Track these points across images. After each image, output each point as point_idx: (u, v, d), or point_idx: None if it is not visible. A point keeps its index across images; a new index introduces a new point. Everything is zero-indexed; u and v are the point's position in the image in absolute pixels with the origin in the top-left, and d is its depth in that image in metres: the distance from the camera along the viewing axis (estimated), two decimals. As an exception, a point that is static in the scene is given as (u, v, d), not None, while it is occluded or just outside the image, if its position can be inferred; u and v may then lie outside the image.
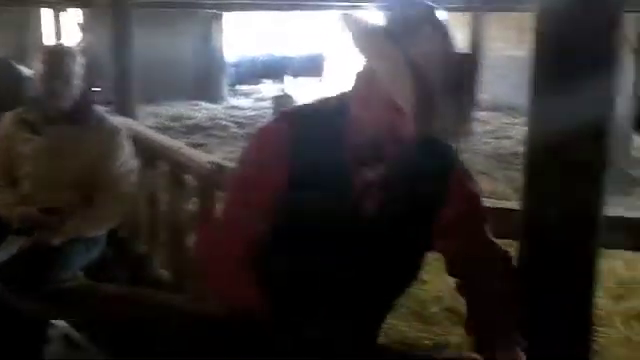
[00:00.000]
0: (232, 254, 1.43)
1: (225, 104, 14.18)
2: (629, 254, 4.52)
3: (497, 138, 10.65)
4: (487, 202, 1.71)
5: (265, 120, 1.60)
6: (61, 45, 2.90)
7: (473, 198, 1.53)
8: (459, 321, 3.71)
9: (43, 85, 2.56)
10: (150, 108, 11.47)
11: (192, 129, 10.79)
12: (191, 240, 3.09)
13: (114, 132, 2.67)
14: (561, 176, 1.56)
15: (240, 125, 11.24)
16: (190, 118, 11.84)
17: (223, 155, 6.99)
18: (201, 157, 2.89)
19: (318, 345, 1.39)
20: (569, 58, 1.51)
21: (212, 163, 2.63)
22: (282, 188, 1.39)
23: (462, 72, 1.29)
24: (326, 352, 1.40)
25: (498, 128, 11.70)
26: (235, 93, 15.55)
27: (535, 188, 1.62)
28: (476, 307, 1.52)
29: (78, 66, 2.61)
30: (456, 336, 3.52)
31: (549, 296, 1.62)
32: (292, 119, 1.46)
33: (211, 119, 11.74)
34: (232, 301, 1.42)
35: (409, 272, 1.53)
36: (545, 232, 1.61)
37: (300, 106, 1.58)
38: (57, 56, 2.58)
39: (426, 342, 3.49)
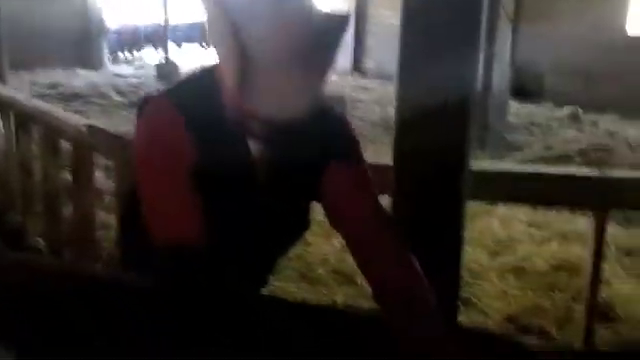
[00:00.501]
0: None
1: (106, 71, 13.67)
2: (504, 212, 4.80)
3: (383, 105, 10.86)
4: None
5: (148, 92, 1.49)
6: None
7: (357, 159, 1.55)
8: (344, 281, 3.82)
9: None
10: (27, 76, 10.90)
11: (70, 97, 10.34)
12: (66, 208, 3.00)
13: None
14: (429, 134, 1.63)
15: (122, 93, 10.88)
16: (68, 86, 11.34)
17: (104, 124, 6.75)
18: (76, 120, 2.78)
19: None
20: (436, 26, 1.57)
21: (89, 126, 2.54)
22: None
23: (324, 35, 1.25)
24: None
25: (383, 96, 11.92)
26: (116, 61, 15.02)
27: (404, 145, 1.68)
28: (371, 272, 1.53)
29: None
30: (342, 296, 3.63)
31: (419, 249, 1.70)
32: (178, 102, 1.39)
33: (91, 87, 11.29)
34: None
35: (299, 227, 1.57)
36: (414, 187, 1.69)
37: (181, 84, 1.49)
38: None
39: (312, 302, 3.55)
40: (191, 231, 1.33)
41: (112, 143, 2.32)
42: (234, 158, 1.40)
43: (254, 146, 1.40)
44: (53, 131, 2.89)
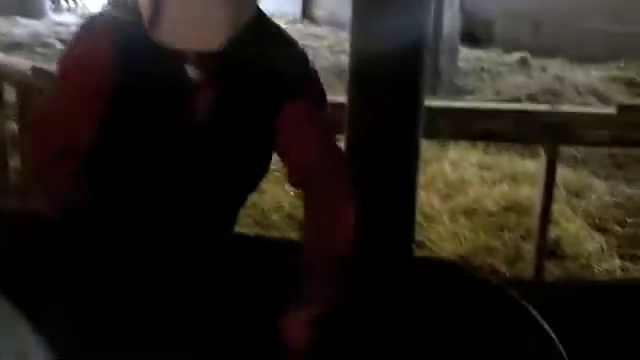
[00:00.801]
0: (52, 148, 1.43)
1: (47, 20, 13.19)
2: (455, 156, 4.86)
3: (335, 53, 10.78)
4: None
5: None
6: None
7: (317, 101, 1.52)
8: (298, 226, 3.85)
9: None
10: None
11: (12, 47, 9.96)
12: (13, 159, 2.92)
13: None
14: (383, 78, 1.63)
15: (65, 42, 10.51)
16: (9, 35, 10.92)
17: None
18: (21, 63, 2.68)
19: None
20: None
21: (33, 68, 2.46)
22: (107, 98, 1.37)
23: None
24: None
25: (335, 43, 11.81)
26: (58, 9, 14.48)
27: (359, 91, 1.68)
28: (309, 225, 1.56)
29: None
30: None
31: (375, 192, 1.71)
32: (110, 25, 1.39)
33: (33, 36, 10.90)
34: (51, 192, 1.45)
35: (256, 167, 1.53)
36: (370, 127, 1.69)
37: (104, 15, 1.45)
38: None
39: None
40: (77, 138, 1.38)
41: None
42: (164, 84, 1.37)
43: (193, 74, 1.36)
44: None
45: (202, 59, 1.31)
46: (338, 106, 1.86)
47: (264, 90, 1.43)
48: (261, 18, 1.41)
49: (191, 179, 1.43)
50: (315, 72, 1.53)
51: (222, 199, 1.52)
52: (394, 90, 1.66)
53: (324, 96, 1.53)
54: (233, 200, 1.57)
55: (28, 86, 2.46)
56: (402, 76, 1.67)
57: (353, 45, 1.67)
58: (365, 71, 1.66)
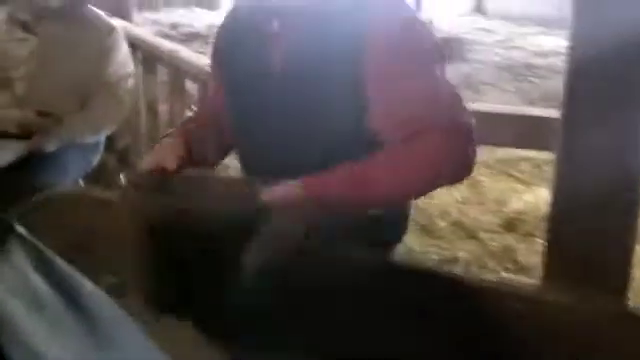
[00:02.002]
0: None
1: (222, 11, 13.80)
2: None
3: (507, 48, 10.33)
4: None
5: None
6: None
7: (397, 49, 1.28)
8: (466, 236, 3.67)
9: None
10: (148, 14, 11.19)
11: (190, 37, 10.50)
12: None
13: (110, 31, 2.50)
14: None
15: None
16: (188, 25, 11.53)
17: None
18: (202, 61, 2.72)
19: None
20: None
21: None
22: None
23: None
24: None
25: (507, 38, 11.33)
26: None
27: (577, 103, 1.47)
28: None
29: None
30: (463, 251, 3.48)
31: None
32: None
33: (209, 27, 11.42)
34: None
35: (340, 124, 1.33)
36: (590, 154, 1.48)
37: None
38: None
39: (434, 256, 3.44)
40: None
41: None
42: (251, 34, 1.41)
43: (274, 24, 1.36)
44: (180, 72, 2.86)
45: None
46: (504, 117, 1.67)
47: (334, 45, 1.28)
48: None
49: (273, 126, 1.39)
50: (394, 19, 1.30)
51: (306, 152, 1.35)
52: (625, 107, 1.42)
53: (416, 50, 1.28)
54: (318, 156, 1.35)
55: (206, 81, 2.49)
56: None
57: (574, 48, 1.45)
58: (587, 83, 1.43)
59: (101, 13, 2.57)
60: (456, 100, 1.27)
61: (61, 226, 1.43)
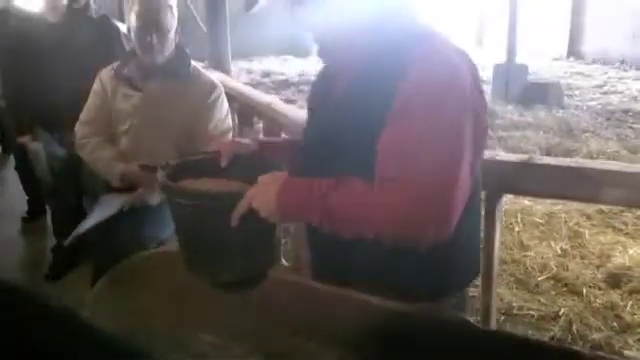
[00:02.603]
0: None
1: (313, 59, 14.08)
2: None
3: (605, 94, 10.02)
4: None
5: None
6: None
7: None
8: (567, 291, 3.52)
9: (139, 39, 2.47)
10: (242, 63, 11.55)
11: (282, 84, 10.75)
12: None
13: (212, 88, 2.56)
14: None
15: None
16: (280, 74, 11.82)
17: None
18: (297, 113, 2.76)
19: None
20: None
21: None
22: None
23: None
24: None
25: (605, 82, 11.00)
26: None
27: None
28: None
29: (174, 18, 2.51)
30: (564, 307, 3.33)
31: None
32: None
33: (300, 74, 11.67)
34: None
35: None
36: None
37: None
38: (153, 9, 2.46)
39: (532, 313, 3.31)
40: None
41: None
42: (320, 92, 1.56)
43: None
44: (275, 124, 2.91)
45: None
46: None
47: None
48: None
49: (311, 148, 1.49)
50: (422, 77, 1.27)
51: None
52: None
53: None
54: None
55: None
56: None
57: None
58: None
59: (203, 70, 2.66)
60: (456, 164, 1.23)
61: (156, 285, 1.47)
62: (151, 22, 2.45)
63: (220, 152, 1.53)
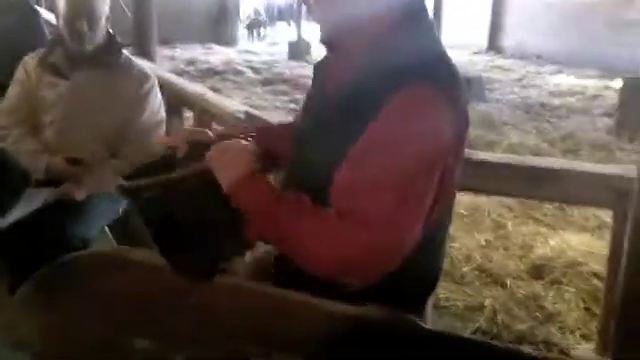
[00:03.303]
0: None
1: (239, 48, 13.96)
2: None
3: (524, 87, 10.34)
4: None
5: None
6: None
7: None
8: (491, 281, 3.60)
9: (68, 25, 2.36)
10: (165, 50, 11.31)
11: (207, 73, 10.59)
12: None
13: (145, 79, 2.47)
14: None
15: (255, 70, 11.02)
16: (205, 62, 11.64)
17: (240, 101, 6.79)
18: (229, 105, 2.71)
19: None
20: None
21: (245, 113, 2.46)
22: None
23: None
24: None
25: (524, 77, 11.37)
26: (250, 37, 15.32)
27: None
28: None
29: (105, 4, 2.42)
30: (488, 298, 3.40)
31: None
32: None
33: (226, 64, 11.53)
34: None
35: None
36: None
37: None
38: None
39: (458, 304, 3.37)
40: None
41: (269, 132, 2.21)
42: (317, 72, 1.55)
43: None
44: (207, 116, 2.84)
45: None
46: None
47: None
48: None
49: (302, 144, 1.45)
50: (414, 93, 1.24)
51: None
52: None
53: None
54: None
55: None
56: None
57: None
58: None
59: (135, 59, 2.56)
60: (406, 214, 1.20)
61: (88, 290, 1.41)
62: (82, 8, 2.34)
63: (174, 146, 1.48)
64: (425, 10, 1.40)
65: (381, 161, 1.20)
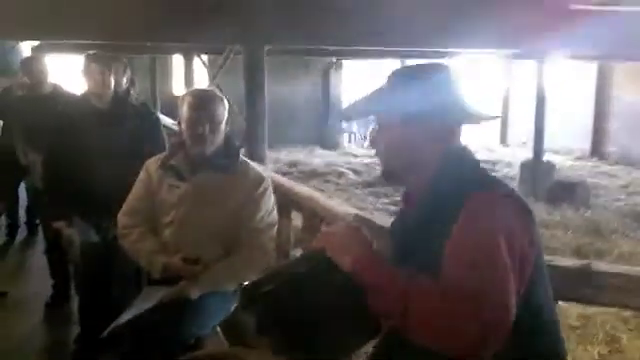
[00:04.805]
0: None
1: (340, 151, 14.29)
2: None
3: (630, 194, 9.97)
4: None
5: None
6: (209, 90, 2.79)
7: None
8: None
9: (190, 130, 2.46)
10: (271, 154, 11.72)
11: (309, 175, 10.83)
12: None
13: (260, 181, 2.53)
14: None
15: (356, 172, 11.19)
16: (307, 164, 11.94)
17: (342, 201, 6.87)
18: (341, 208, 2.75)
19: None
20: None
21: (355, 215, 2.48)
22: None
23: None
24: None
25: (629, 183, 10.97)
26: (352, 141, 15.67)
27: None
28: None
29: (225, 111, 2.52)
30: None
31: None
32: None
33: (328, 165, 11.78)
34: None
35: None
36: None
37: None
38: (206, 100, 2.48)
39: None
40: None
41: (378, 233, 2.22)
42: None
43: None
44: (317, 218, 2.88)
45: None
46: None
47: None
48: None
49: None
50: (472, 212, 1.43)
51: None
52: None
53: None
54: None
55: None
56: None
57: None
58: None
59: (251, 162, 2.64)
60: (498, 297, 1.33)
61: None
62: (204, 113, 2.45)
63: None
64: (467, 148, 1.63)
65: (475, 252, 1.36)
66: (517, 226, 1.43)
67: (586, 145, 14.43)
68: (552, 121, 11.39)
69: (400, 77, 1.61)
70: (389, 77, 1.63)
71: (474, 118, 1.62)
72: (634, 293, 1.86)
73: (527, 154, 10.25)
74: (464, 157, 1.59)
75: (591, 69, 14.10)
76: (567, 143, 14.30)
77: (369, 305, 1.37)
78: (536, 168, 9.46)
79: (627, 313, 4.53)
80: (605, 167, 12.93)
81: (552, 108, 11.01)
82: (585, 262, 1.93)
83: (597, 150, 14.29)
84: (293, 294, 1.37)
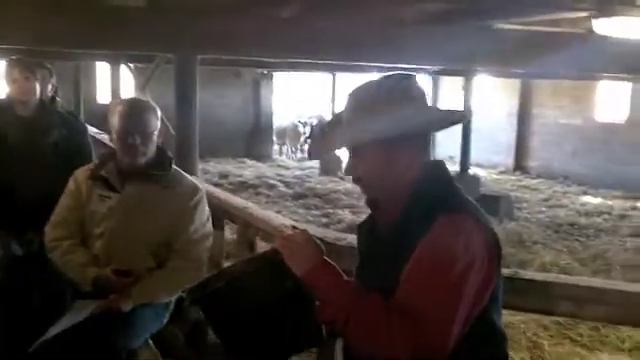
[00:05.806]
0: None
1: (271, 162, 14.28)
2: None
3: (551, 207, 10.38)
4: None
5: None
6: (142, 99, 2.74)
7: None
8: None
9: (121, 140, 2.40)
10: (199, 164, 11.59)
11: (239, 186, 10.78)
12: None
13: (194, 192, 2.50)
14: None
15: (287, 184, 11.21)
16: (238, 175, 11.88)
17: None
18: (274, 219, 2.75)
19: None
20: None
21: (289, 227, 2.49)
22: None
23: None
24: None
25: (551, 196, 11.43)
26: (282, 153, 15.68)
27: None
28: None
29: (157, 121, 2.47)
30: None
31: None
32: None
33: (258, 177, 11.75)
34: None
35: None
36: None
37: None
38: (139, 109, 2.44)
39: None
40: None
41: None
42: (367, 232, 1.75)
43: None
44: (250, 229, 2.88)
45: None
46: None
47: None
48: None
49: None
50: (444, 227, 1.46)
51: None
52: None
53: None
54: None
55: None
56: None
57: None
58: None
59: (184, 173, 2.60)
60: (439, 325, 1.40)
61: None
62: (135, 124, 2.40)
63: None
64: (442, 163, 1.64)
65: (429, 275, 1.41)
66: (480, 249, 1.45)
67: (509, 160, 14.95)
68: (477, 137, 11.76)
69: (364, 98, 1.54)
70: (350, 100, 1.57)
71: (452, 118, 1.62)
72: (556, 300, 1.94)
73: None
74: (439, 174, 1.58)
75: (514, 86, 14.64)
76: (491, 158, 14.78)
77: (316, 310, 1.42)
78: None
79: (546, 320, 4.70)
80: (527, 181, 13.41)
81: (477, 124, 11.39)
82: (511, 270, 2.00)
83: (520, 165, 14.82)
84: (239, 293, 1.40)
